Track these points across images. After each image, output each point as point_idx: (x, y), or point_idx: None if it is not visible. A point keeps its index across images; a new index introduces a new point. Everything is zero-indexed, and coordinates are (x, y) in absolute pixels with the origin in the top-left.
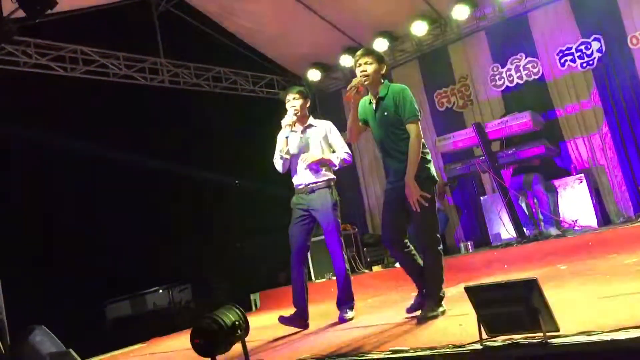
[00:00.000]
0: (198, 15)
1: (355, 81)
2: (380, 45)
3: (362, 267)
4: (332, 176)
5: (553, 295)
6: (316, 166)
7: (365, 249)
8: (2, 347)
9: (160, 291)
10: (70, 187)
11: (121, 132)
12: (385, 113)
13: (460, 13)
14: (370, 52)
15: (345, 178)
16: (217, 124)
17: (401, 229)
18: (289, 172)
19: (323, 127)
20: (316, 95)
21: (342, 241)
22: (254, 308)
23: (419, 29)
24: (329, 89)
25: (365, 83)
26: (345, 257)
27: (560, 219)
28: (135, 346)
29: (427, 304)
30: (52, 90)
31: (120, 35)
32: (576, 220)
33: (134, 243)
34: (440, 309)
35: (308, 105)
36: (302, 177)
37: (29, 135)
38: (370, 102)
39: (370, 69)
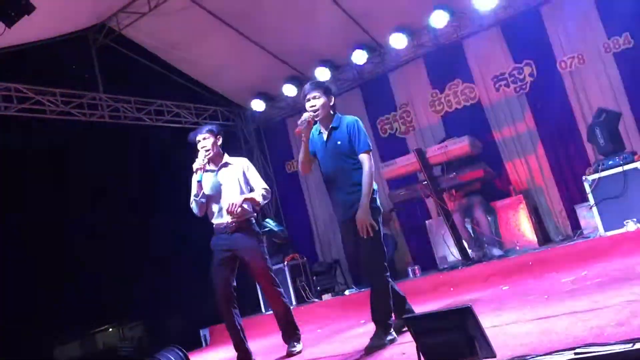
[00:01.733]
0: (138, 48)
1: (305, 115)
2: (322, 74)
3: (312, 296)
4: (253, 213)
5: (493, 318)
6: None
7: (314, 277)
8: None
9: (110, 330)
10: (11, 225)
11: (63, 169)
12: (339, 142)
13: (398, 42)
14: (317, 86)
15: (292, 206)
16: (161, 157)
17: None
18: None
19: (239, 165)
20: (261, 126)
21: (273, 276)
22: (204, 344)
23: (359, 57)
24: (273, 119)
25: (317, 118)
26: (281, 290)
27: (502, 239)
28: None
29: (376, 332)
30: None
31: (57, 71)
32: (517, 241)
33: (82, 280)
34: (389, 337)
35: (220, 143)
36: (223, 217)
37: None
38: (320, 133)
39: (318, 103)
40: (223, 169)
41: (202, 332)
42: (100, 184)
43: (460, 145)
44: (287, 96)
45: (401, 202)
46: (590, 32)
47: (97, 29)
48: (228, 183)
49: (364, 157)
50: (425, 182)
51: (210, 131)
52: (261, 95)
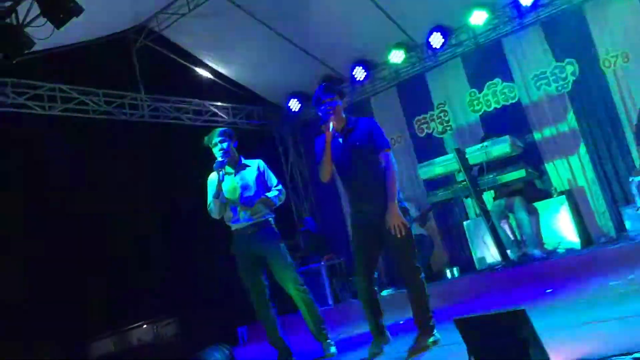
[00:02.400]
0: (177, 49)
1: (330, 119)
2: (359, 73)
3: (347, 296)
4: (272, 214)
5: (540, 321)
6: (252, 205)
7: (350, 277)
8: None
9: (145, 326)
10: (43, 226)
11: (102, 166)
12: (358, 144)
13: (436, 41)
14: (331, 89)
15: (328, 206)
16: (199, 156)
17: (375, 262)
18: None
19: (255, 166)
20: (297, 125)
21: (296, 274)
22: (241, 342)
23: (397, 57)
24: (309, 119)
25: (332, 119)
26: (303, 286)
27: (543, 241)
28: None
29: (418, 334)
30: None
31: (99, 72)
32: (559, 242)
33: (116, 276)
34: (432, 339)
35: (235, 145)
36: (242, 220)
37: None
38: (333, 137)
39: (334, 105)
40: (241, 171)
41: (239, 330)
42: (140, 181)
43: (500, 146)
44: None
45: (439, 203)
46: (635, 30)
47: (137, 31)
48: (246, 185)
49: (385, 155)
50: (465, 182)
51: (226, 134)
52: (297, 94)
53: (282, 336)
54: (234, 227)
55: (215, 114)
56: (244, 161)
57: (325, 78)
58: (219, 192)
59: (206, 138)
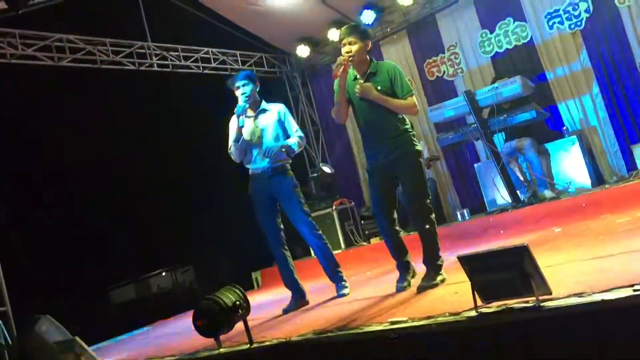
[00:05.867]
0: None
1: (340, 59)
2: (368, 17)
3: (360, 240)
4: (288, 159)
5: (547, 258)
6: (277, 153)
7: (362, 221)
8: (9, 339)
9: (164, 274)
10: (62, 175)
11: (113, 116)
12: (379, 88)
13: None
14: (353, 31)
15: (338, 152)
16: (209, 105)
17: (393, 205)
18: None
19: (276, 111)
20: (306, 71)
21: (310, 218)
22: (255, 286)
23: None
24: (318, 64)
25: (351, 62)
26: (318, 231)
27: (554, 181)
28: (141, 329)
29: (427, 273)
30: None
31: (105, 21)
32: (570, 182)
33: (135, 227)
34: (440, 278)
35: (258, 89)
36: (259, 163)
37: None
38: (355, 79)
39: (354, 48)
40: (261, 115)
41: (253, 275)
42: (151, 132)
43: (511, 87)
44: (332, 41)
45: (449, 146)
46: None
47: None
48: (266, 129)
49: (410, 99)
50: (475, 125)
51: (248, 77)
52: (306, 40)
53: (296, 278)
54: (252, 170)
55: (224, 62)
56: (264, 105)
57: (334, 22)
58: (239, 137)
59: (229, 81)
